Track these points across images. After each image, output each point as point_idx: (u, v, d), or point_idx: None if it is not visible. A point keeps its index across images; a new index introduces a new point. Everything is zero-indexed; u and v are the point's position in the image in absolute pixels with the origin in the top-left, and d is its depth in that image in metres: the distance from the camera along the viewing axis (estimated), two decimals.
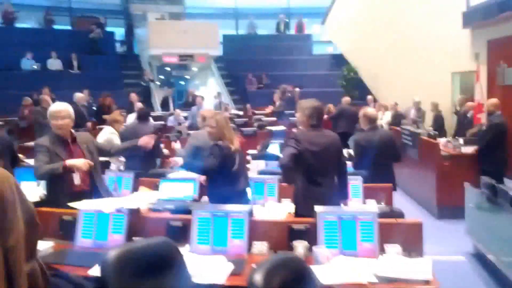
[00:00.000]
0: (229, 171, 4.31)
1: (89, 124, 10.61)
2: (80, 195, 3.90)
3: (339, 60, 17.62)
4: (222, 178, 4.29)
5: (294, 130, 6.48)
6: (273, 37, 20.67)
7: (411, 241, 3.19)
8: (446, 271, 4.45)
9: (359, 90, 14.91)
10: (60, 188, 4.01)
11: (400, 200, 7.56)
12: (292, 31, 20.81)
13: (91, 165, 4.05)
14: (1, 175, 2.40)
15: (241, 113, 13.49)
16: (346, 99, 11.66)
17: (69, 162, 3.95)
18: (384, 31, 14.07)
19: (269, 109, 13.69)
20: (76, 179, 4.05)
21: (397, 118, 11.26)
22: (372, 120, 5.80)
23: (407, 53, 12.99)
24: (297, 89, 14.29)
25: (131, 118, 9.04)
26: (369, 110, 5.97)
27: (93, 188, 4.15)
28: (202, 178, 4.74)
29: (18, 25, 18.27)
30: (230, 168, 4.31)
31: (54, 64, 16.19)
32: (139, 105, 10.02)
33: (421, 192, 8.01)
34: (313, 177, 4.04)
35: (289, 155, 3.96)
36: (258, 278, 2.29)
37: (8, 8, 17.64)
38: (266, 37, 20.92)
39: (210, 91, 17.88)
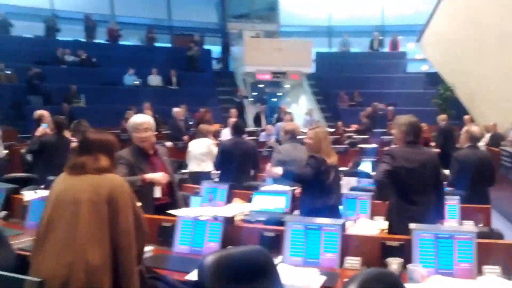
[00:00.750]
0: (323, 184, 4.32)
1: (185, 137, 10.98)
2: (162, 208, 3.98)
3: (434, 79, 17.13)
4: (316, 190, 4.31)
5: (386, 148, 6.36)
6: (366, 54, 20.48)
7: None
8: None
9: (455, 110, 14.37)
10: (143, 201, 4.09)
11: (498, 224, 7.18)
12: (386, 49, 20.49)
13: (170, 178, 4.11)
14: (116, 181, 2.77)
15: (332, 130, 13.45)
16: (443, 117, 11.28)
17: (148, 176, 3.98)
18: (482, 50, 13.52)
19: (354, 127, 13.56)
20: (157, 192, 4.09)
21: (496, 139, 10.75)
22: (474, 139, 5.62)
23: (508, 72, 12.39)
24: (390, 108, 14.04)
25: (225, 132, 9.32)
26: (474, 127, 5.78)
27: (174, 200, 4.22)
28: (298, 191, 4.79)
29: (122, 42, 19.27)
30: (325, 181, 4.32)
31: (154, 80, 16.90)
32: (233, 119, 10.29)
33: None
34: (408, 195, 3.96)
35: (383, 171, 3.93)
36: None
37: (114, 26, 18.68)
38: (359, 55, 20.78)
39: (301, 108, 17.99)
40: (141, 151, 4.16)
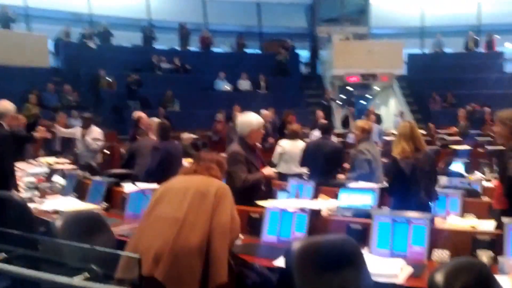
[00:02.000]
0: (405, 181, 4.26)
1: (271, 139, 11.15)
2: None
3: None
4: (399, 188, 4.26)
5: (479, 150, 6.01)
6: (460, 55, 19.67)
7: None
8: None
9: None
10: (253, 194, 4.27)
11: None
12: (482, 49, 19.59)
13: None
14: (224, 185, 3.18)
15: (423, 132, 13.07)
16: None
17: (265, 171, 4.48)
18: None
19: (452, 130, 13.07)
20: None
21: None
22: None
23: None
24: (487, 109, 13.44)
25: (315, 133, 9.35)
26: None
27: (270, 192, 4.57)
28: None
29: (214, 49, 19.83)
30: (407, 179, 4.25)
31: (244, 84, 17.28)
32: (322, 121, 10.33)
33: None
34: None
35: None
36: (440, 277, 2.27)
37: (206, 34, 19.28)
38: (453, 55, 19.98)
39: (390, 110, 17.64)
40: (250, 147, 4.49)
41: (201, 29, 19.78)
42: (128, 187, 4.84)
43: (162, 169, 5.79)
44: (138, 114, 8.07)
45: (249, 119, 4.49)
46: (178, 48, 19.13)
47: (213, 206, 2.93)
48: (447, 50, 20.20)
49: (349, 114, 14.68)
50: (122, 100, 15.12)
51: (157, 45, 18.95)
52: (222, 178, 3.32)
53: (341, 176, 6.29)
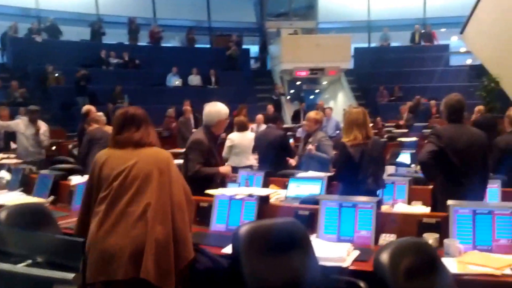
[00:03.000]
0: (355, 168, 4.30)
1: (223, 134, 11.09)
2: None
3: (478, 71, 16.67)
4: (348, 174, 4.30)
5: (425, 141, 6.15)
6: (406, 48, 20.11)
7: None
8: None
9: (501, 102, 13.98)
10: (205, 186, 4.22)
11: None
12: (427, 42, 20.12)
13: None
14: (167, 154, 2.93)
15: (371, 125, 13.29)
16: (478, 109, 11.09)
17: (222, 170, 4.47)
18: None
19: (401, 122, 13.36)
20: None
21: None
22: None
23: None
24: (432, 101, 13.80)
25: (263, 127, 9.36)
26: None
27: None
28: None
29: (164, 44, 19.64)
30: (355, 165, 4.29)
31: (195, 80, 17.19)
32: (259, 116, 10.40)
33: None
34: (454, 175, 3.82)
35: (429, 152, 3.80)
36: (385, 257, 2.29)
37: (155, 29, 19.07)
38: (399, 49, 20.42)
39: (339, 104, 17.88)
40: (215, 137, 4.50)
41: (150, 23, 19.57)
42: (75, 180, 4.73)
43: None
44: (87, 107, 7.96)
45: (219, 109, 4.49)
46: (127, 43, 18.85)
47: (169, 185, 2.77)
48: (394, 44, 20.66)
49: (300, 109, 14.77)
50: (70, 96, 14.81)
51: (106, 40, 18.62)
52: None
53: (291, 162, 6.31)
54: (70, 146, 9.28)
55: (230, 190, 3.85)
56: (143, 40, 19.30)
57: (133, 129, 2.86)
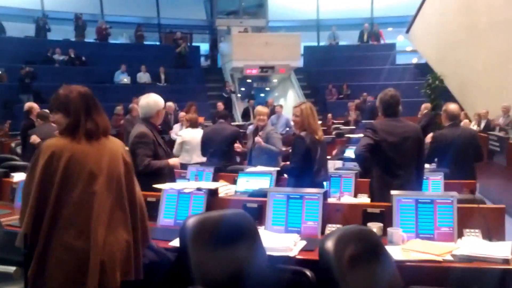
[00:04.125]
0: (311, 162, 4.36)
1: (172, 133, 11.01)
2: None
3: (423, 69, 17.21)
4: (304, 169, 4.35)
5: None
6: (354, 47, 20.50)
7: (493, 226, 3.06)
8: None
9: (445, 99, 14.44)
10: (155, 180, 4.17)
11: None
12: (374, 41, 20.58)
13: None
14: (121, 144, 2.69)
15: (320, 122, 13.48)
16: (425, 106, 11.52)
17: (171, 161, 4.43)
18: (472, 37, 13.60)
19: (352, 119, 13.62)
20: None
21: (488, 127, 10.95)
22: (452, 117, 5.49)
23: (497, 58, 12.47)
24: None
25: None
26: (451, 106, 5.62)
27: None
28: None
29: (111, 41, 19.32)
30: (313, 159, 4.36)
31: (143, 77, 16.96)
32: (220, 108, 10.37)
33: (509, 199, 7.62)
34: (390, 168, 3.95)
35: (364, 145, 3.92)
36: (330, 244, 2.31)
37: (102, 25, 18.71)
38: (347, 48, 20.82)
39: (289, 102, 18.03)
40: (156, 128, 4.43)
41: (97, 20, 19.20)
42: (18, 177, 4.58)
43: None
44: (29, 104, 7.73)
45: (155, 99, 4.41)
46: (73, 39, 18.44)
47: (126, 187, 2.55)
48: (342, 42, 21.01)
49: (249, 106, 14.82)
50: (13, 94, 14.39)
51: (52, 37, 18.25)
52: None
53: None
54: (13, 145, 8.98)
55: (178, 184, 3.82)
56: (90, 37, 18.93)
57: (102, 114, 2.57)
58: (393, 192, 3.29)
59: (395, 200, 3.23)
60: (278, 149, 5.93)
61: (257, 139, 5.86)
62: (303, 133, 4.43)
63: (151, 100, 4.40)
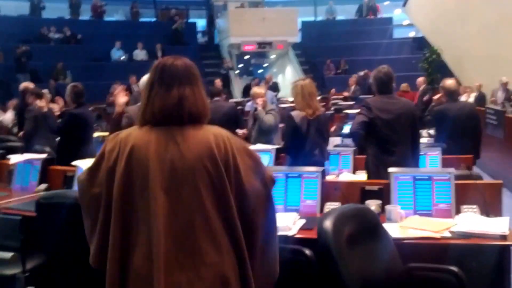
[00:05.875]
0: (301, 141, 4.33)
1: None
2: None
3: (420, 43, 17.12)
4: (295, 148, 4.34)
5: None
6: (351, 22, 20.39)
7: (490, 202, 3.08)
8: None
9: (442, 73, 14.41)
10: None
11: None
12: (372, 16, 20.44)
13: None
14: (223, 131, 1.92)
15: (319, 97, 13.46)
16: (420, 80, 11.55)
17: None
18: (468, 10, 13.50)
19: (344, 94, 13.57)
20: None
21: (481, 100, 10.94)
22: (450, 92, 5.44)
23: (493, 31, 12.38)
24: None
25: None
26: (448, 82, 5.56)
27: None
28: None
29: (107, 18, 19.16)
30: (303, 138, 4.33)
31: (140, 54, 16.85)
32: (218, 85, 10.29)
33: (508, 173, 7.66)
34: (385, 145, 3.97)
35: (359, 123, 3.95)
36: (328, 224, 2.32)
37: (97, 2, 18.53)
38: (344, 22, 20.66)
39: (287, 78, 17.96)
40: None
41: None
42: (14, 158, 4.56)
43: (79, 138, 5.53)
44: (24, 84, 7.63)
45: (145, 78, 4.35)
46: (68, 17, 18.30)
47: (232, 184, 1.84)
48: (340, 17, 20.84)
49: (252, 84, 14.74)
50: (10, 74, 14.24)
51: (46, 15, 18.05)
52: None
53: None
54: (9, 125, 8.94)
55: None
56: (85, 15, 18.82)
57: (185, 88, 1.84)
58: (390, 169, 3.30)
59: (393, 177, 3.24)
60: (272, 123, 5.79)
61: (259, 108, 5.76)
62: (294, 112, 4.41)
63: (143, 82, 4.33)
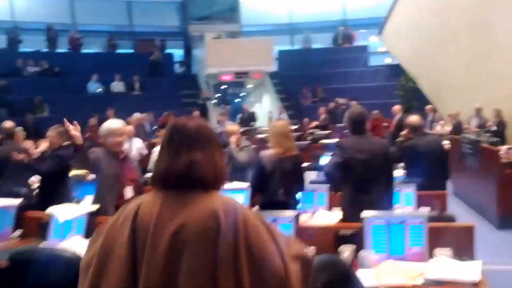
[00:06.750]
0: (267, 182, 4.33)
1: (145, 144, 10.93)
2: None
3: (396, 71, 17.34)
4: (262, 188, 4.33)
5: None
6: (328, 50, 20.62)
7: (463, 245, 3.13)
8: (504, 282, 4.31)
9: (419, 101, 14.66)
10: (111, 201, 4.14)
11: (457, 209, 7.36)
12: (347, 44, 20.73)
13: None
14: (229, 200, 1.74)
15: (296, 127, 13.54)
16: (397, 108, 11.75)
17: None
18: (444, 38, 13.80)
19: (315, 124, 13.70)
20: (128, 192, 4.21)
21: (458, 128, 11.11)
22: (415, 128, 5.60)
23: (469, 59, 12.66)
24: (353, 102, 14.22)
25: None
26: (411, 118, 5.76)
27: None
28: None
29: (84, 51, 19.15)
30: (269, 178, 4.33)
31: (118, 86, 16.84)
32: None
33: (481, 201, 7.75)
34: (360, 184, 4.01)
35: (333, 164, 4.00)
36: None
37: (75, 35, 18.55)
38: (320, 51, 20.89)
39: (265, 107, 18.08)
40: (114, 155, 4.27)
41: (69, 29, 19.02)
42: None
43: (62, 180, 5.33)
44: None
45: (106, 125, 4.31)
46: (46, 50, 18.30)
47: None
48: (316, 45, 21.11)
49: (225, 113, 14.81)
50: None
51: (23, 48, 18.07)
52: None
53: None
54: None
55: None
56: (63, 47, 18.78)
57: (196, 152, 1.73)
58: (364, 213, 3.31)
59: (366, 221, 3.25)
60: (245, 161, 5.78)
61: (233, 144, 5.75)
62: (265, 151, 4.43)
63: (104, 127, 4.30)
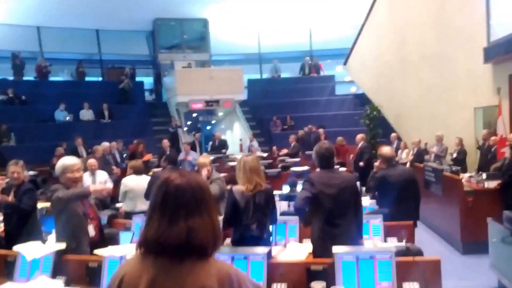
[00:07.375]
0: (240, 216, 4.29)
1: (116, 170, 10.89)
2: (94, 246, 4.01)
3: (362, 100, 17.79)
4: (235, 222, 4.33)
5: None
6: (295, 79, 21.01)
7: (430, 278, 3.24)
8: None
9: (383, 128, 14.98)
10: (82, 239, 4.10)
11: (424, 236, 7.57)
12: (314, 73, 21.13)
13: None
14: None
15: (266, 154, 13.66)
16: (359, 137, 12.06)
17: (93, 188, 4.32)
18: (405, 69, 14.22)
19: (284, 151, 13.85)
20: (91, 230, 4.19)
21: (420, 155, 11.37)
22: (387, 159, 5.79)
23: (430, 90, 13.08)
24: (321, 130, 14.45)
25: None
26: (384, 149, 5.94)
27: (102, 239, 4.30)
28: None
29: (52, 78, 19.00)
30: (241, 213, 4.30)
31: (86, 114, 16.70)
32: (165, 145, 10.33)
33: (445, 227, 7.98)
34: (329, 218, 4.08)
35: (303, 199, 4.06)
36: None
37: (42, 63, 18.37)
38: (289, 80, 21.31)
39: (235, 135, 18.16)
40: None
41: (37, 57, 18.84)
42: None
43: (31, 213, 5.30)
44: None
45: (61, 162, 4.21)
46: (11, 78, 18.06)
47: None
48: (284, 75, 21.44)
49: (195, 140, 14.83)
50: None
51: None
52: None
53: None
54: None
55: (120, 250, 3.76)
56: (29, 75, 18.58)
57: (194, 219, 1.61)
58: (334, 249, 3.39)
59: (337, 257, 3.33)
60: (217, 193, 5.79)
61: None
62: (235, 186, 4.43)
63: (59, 165, 4.21)
